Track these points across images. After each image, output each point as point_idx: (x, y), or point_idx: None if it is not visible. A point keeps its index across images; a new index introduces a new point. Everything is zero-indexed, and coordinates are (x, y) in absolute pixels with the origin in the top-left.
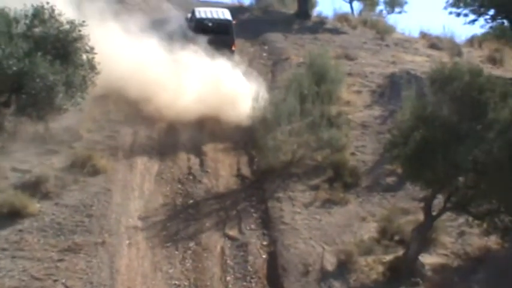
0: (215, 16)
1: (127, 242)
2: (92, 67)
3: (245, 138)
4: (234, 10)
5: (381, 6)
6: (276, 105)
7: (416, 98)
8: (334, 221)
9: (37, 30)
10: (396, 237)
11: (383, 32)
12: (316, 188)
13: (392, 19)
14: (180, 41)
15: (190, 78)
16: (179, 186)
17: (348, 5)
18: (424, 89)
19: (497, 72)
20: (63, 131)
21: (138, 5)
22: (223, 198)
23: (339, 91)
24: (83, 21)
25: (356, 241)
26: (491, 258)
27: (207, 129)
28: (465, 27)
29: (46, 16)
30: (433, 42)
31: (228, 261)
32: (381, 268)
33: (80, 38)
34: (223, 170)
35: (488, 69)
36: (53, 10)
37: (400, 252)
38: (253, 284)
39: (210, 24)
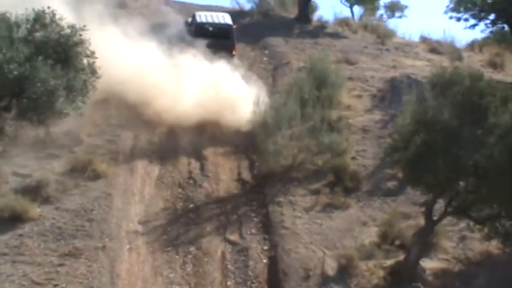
0: (216, 20)
1: (127, 246)
2: (93, 71)
3: (246, 143)
4: (235, 14)
5: (381, 11)
6: (276, 109)
7: (417, 103)
8: (335, 225)
9: (38, 34)
10: (397, 242)
11: (383, 36)
12: (316, 192)
13: (393, 23)
14: (180, 45)
15: (190, 82)
16: (180, 190)
17: (349, 9)
18: (424, 94)
19: (497, 76)
20: (64, 136)
21: (138, 9)
22: (224, 203)
23: (339, 95)
24: (84, 26)
25: (357, 246)
26: (492, 263)
27: (207, 134)
28: (465, 32)
29: (47, 21)
30: (434, 47)
31: (229, 266)
32: (381, 273)
33: (81, 42)
34: (224, 174)
35: (489, 74)
36: (54, 15)
37: (401, 256)
38: None
39: (210, 28)
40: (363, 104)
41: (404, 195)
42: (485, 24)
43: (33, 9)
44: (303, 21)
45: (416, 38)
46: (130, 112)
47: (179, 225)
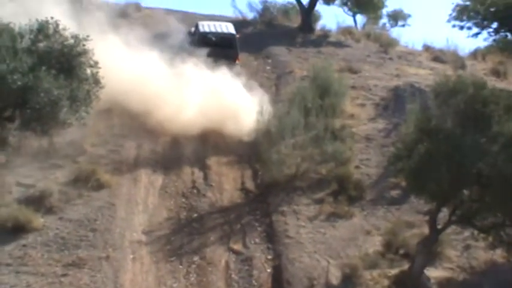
0: (219, 30)
1: (131, 256)
2: (96, 81)
3: (249, 152)
4: (238, 24)
5: (384, 20)
6: (279, 118)
7: (420, 111)
8: (339, 234)
9: (41, 45)
10: (401, 251)
11: (386, 45)
12: (320, 201)
13: (396, 32)
14: (183, 54)
15: (193, 91)
16: (183, 200)
17: (352, 18)
18: (428, 102)
19: (501, 85)
20: (67, 146)
21: (141, 18)
22: (228, 212)
23: (342, 104)
24: (87, 36)
25: (361, 255)
26: (496, 272)
27: (210, 143)
28: (468, 40)
29: (50, 31)
30: (437, 55)
31: (233, 276)
32: (386, 282)
33: (84, 52)
34: (227, 183)
35: (492, 82)
36: (57, 25)
37: (406, 266)
38: None
39: (213, 38)
40: (366, 113)
41: (408, 204)
42: (488, 32)
43: (37, 20)
44: (306, 31)
45: (419, 47)
46: (134, 122)
47: (183, 235)
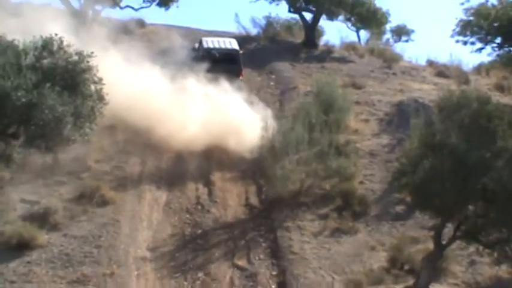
0: (222, 46)
1: (135, 273)
2: (100, 98)
3: (253, 168)
4: (241, 40)
5: (387, 35)
6: (284, 134)
7: (425, 126)
8: (344, 250)
9: (46, 61)
10: (406, 267)
11: (390, 60)
12: (325, 217)
13: (399, 47)
14: (187, 70)
15: (197, 107)
16: (187, 216)
17: (355, 33)
18: (432, 117)
19: (505, 100)
20: (72, 162)
21: (145, 35)
22: (232, 228)
23: (346, 120)
24: (92, 52)
25: (365, 270)
26: None
27: (214, 159)
28: (472, 55)
29: (55, 47)
30: (441, 70)
31: None
32: None
33: (88, 69)
34: (232, 199)
35: (496, 97)
36: (61, 41)
37: (411, 281)
38: None
39: (217, 54)
40: (370, 128)
41: (412, 220)
42: (492, 47)
43: (41, 36)
44: (309, 46)
45: (423, 62)
46: (138, 138)
47: (187, 251)
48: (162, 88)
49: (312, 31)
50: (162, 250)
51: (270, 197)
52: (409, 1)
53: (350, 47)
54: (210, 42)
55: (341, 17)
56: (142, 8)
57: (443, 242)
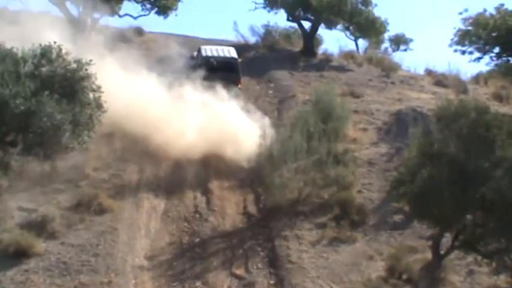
0: (221, 54)
1: (133, 281)
2: (99, 106)
3: (251, 176)
4: (240, 48)
5: (386, 44)
6: (282, 142)
7: (423, 135)
8: (342, 259)
9: (44, 69)
10: (404, 276)
11: (388, 69)
12: (323, 226)
13: (398, 56)
14: (185, 78)
15: (194, 115)
16: (185, 224)
17: (353, 42)
18: (430, 126)
19: (503, 109)
20: (70, 170)
21: (143, 43)
22: (230, 237)
23: (345, 128)
24: (90, 60)
25: (364, 280)
26: None
27: (212, 167)
28: (471, 65)
29: (53, 55)
30: (439, 80)
31: None
32: None
33: (87, 76)
34: (230, 208)
35: (495, 107)
36: (60, 49)
37: None
38: None
39: (216, 62)
40: (369, 137)
41: (411, 229)
42: (490, 57)
43: (40, 44)
44: (308, 55)
45: (421, 71)
46: (136, 146)
47: (185, 260)
48: (160, 96)
49: (310, 40)
50: (160, 259)
51: (268, 205)
52: (408, 10)
53: (348, 55)
54: (208, 51)
55: (339, 26)
56: (141, 16)
57: (442, 252)
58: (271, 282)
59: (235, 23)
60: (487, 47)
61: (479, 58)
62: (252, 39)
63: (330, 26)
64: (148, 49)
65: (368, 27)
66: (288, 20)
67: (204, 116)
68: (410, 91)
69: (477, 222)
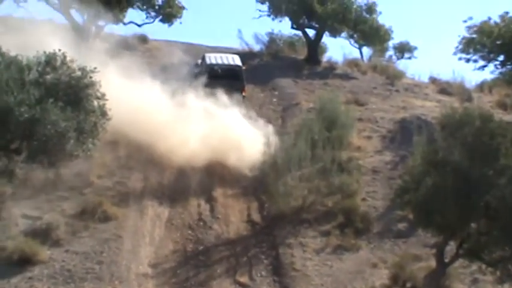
0: (225, 62)
1: None
2: (103, 113)
3: (255, 184)
4: (244, 56)
5: (390, 52)
6: (286, 150)
7: (427, 143)
8: (346, 267)
9: (49, 77)
10: (408, 284)
11: (393, 77)
12: (327, 234)
13: (402, 64)
14: (189, 86)
15: (199, 123)
16: (189, 232)
17: (358, 50)
18: (434, 134)
19: (507, 117)
20: (74, 177)
21: (148, 50)
22: (234, 245)
23: (349, 136)
24: (94, 68)
25: None
26: None
27: (216, 175)
28: (475, 73)
29: (58, 63)
30: (443, 88)
31: None
32: None
33: (91, 84)
34: (234, 215)
35: (499, 115)
36: (64, 57)
37: None
38: None
39: (220, 70)
40: (373, 145)
41: (415, 237)
42: (495, 65)
43: (44, 52)
44: (312, 62)
45: (425, 79)
46: (140, 153)
47: (189, 268)
48: (164, 104)
49: (314, 48)
50: (164, 266)
51: (272, 213)
52: (412, 18)
53: (353, 63)
54: (213, 58)
55: (344, 34)
56: (145, 24)
57: (446, 260)
58: None
59: (239, 31)
60: (492, 55)
61: (484, 66)
62: (256, 47)
63: (334, 33)
64: (153, 57)
65: (372, 35)
66: (292, 27)
67: (208, 124)
68: (414, 99)
69: (481, 231)
